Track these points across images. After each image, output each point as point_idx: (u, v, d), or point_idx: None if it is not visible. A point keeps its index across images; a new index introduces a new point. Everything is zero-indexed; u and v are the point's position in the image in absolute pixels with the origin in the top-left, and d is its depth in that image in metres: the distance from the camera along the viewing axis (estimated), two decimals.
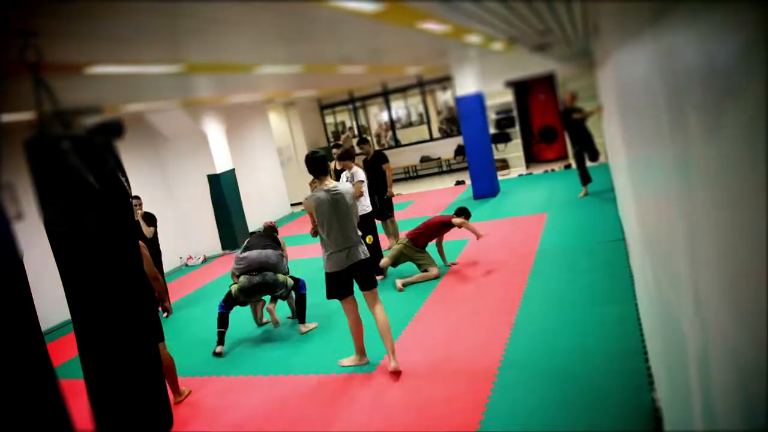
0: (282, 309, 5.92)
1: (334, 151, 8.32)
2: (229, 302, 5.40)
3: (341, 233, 4.26)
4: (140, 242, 3.13)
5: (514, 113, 12.85)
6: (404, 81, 14.57)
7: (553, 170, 12.24)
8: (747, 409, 0.86)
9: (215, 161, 10.10)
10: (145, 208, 6.83)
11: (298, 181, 14.22)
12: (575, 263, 6.02)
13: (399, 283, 6.20)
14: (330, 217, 4.22)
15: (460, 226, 6.31)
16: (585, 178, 8.99)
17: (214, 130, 10.27)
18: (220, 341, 5.36)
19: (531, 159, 13.39)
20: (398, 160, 14.79)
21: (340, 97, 15.52)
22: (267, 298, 5.73)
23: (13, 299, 2.25)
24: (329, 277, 4.37)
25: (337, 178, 7.21)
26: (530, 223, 8.04)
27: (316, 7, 3.92)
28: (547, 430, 3.24)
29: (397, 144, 15.37)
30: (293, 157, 14.64)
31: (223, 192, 10.05)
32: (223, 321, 5.36)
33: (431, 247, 6.64)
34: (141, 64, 5.01)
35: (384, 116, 15.88)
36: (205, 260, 10.22)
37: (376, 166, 7.43)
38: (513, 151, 13.13)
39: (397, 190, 12.66)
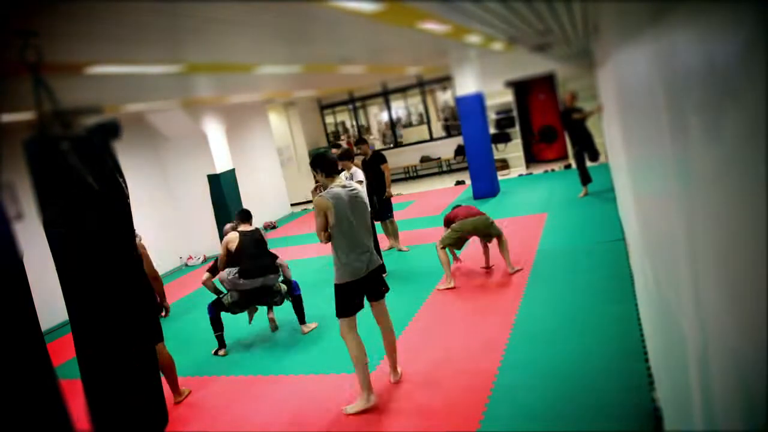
0: (282, 311, 5.91)
1: (334, 151, 8.33)
2: (218, 307, 5.33)
3: (360, 236, 3.83)
4: (141, 242, 3.13)
5: (514, 113, 12.85)
6: (404, 81, 14.57)
7: (553, 170, 12.24)
8: (747, 409, 0.86)
9: (215, 161, 10.10)
10: (145, 208, 6.83)
11: (298, 181, 14.23)
12: (575, 263, 6.02)
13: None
14: (348, 218, 3.79)
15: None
16: (585, 178, 8.99)
17: (214, 130, 10.27)
18: (221, 345, 5.36)
19: (531, 159, 13.39)
20: (398, 160, 14.79)
21: (340, 97, 15.52)
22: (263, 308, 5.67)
23: (13, 299, 2.25)
24: (342, 289, 3.85)
25: None
26: (530, 223, 8.04)
27: (316, 7, 3.92)
28: (547, 430, 3.24)
29: (397, 144, 15.37)
30: (293, 157, 14.64)
31: (223, 192, 10.05)
32: (217, 325, 5.33)
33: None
34: (141, 64, 5.01)
35: (384, 116, 15.88)
36: (205, 260, 10.21)
37: (374, 166, 7.43)
38: (513, 151, 13.13)
39: (397, 190, 12.66)
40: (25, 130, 2.58)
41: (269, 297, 5.38)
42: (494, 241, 6.11)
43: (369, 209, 4.05)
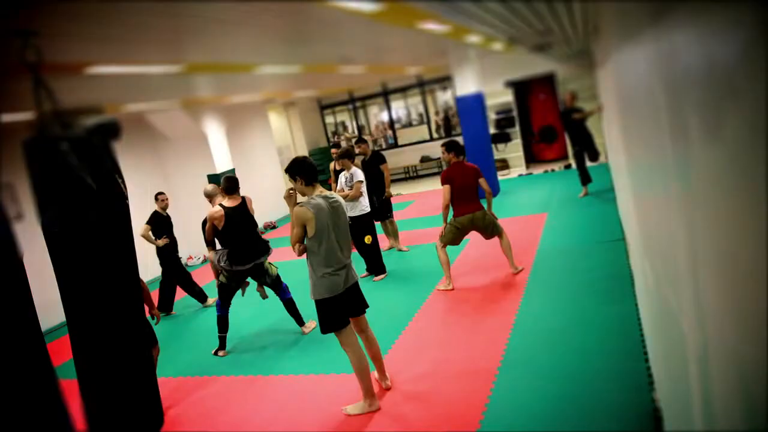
0: (282, 310, 5.91)
1: (333, 151, 8.33)
2: (225, 297, 5.33)
3: (340, 250, 3.65)
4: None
5: (514, 113, 12.85)
6: (404, 81, 14.56)
7: (553, 170, 12.24)
8: (747, 409, 0.86)
9: (215, 161, 10.10)
10: (145, 208, 6.83)
11: None
12: (575, 263, 6.02)
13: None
14: (329, 230, 3.59)
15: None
16: (585, 178, 8.99)
17: (214, 130, 10.27)
18: (222, 346, 5.35)
19: (531, 159, 13.39)
20: (398, 160, 14.78)
21: (340, 97, 15.53)
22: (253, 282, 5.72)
23: (13, 299, 2.25)
24: (324, 305, 3.67)
25: (336, 178, 7.22)
26: (530, 223, 8.04)
27: (316, 7, 3.92)
28: (547, 430, 3.24)
29: (389, 146, 15.35)
30: (293, 157, 14.64)
31: None
32: (223, 325, 5.34)
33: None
34: (141, 64, 5.01)
35: (384, 116, 15.87)
36: (205, 260, 10.20)
37: (374, 166, 7.44)
38: (513, 151, 13.12)
39: (396, 190, 12.66)
40: (25, 130, 2.58)
41: (260, 277, 5.42)
42: (495, 239, 6.11)
43: (348, 222, 3.84)
